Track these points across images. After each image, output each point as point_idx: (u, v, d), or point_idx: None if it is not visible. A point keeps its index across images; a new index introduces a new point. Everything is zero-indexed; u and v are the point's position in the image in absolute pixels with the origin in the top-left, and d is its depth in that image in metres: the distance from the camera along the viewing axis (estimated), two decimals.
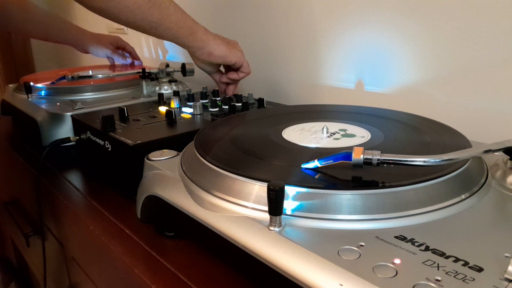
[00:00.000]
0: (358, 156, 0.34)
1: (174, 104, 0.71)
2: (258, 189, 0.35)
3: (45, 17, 1.03)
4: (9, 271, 1.12)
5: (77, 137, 0.65)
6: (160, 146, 0.50)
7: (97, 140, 0.58)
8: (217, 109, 0.69)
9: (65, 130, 0.68)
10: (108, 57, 1.10)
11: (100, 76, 0.87)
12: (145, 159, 0.47)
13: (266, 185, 0.30)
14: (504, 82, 0.55)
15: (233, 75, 0.75)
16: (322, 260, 0.27)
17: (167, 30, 0.65)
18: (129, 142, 0.52)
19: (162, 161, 0.46)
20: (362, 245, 0.28)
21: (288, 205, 0.33)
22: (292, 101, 0.85)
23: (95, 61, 1.60)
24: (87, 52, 1.09)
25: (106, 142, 0.56)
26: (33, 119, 0.71)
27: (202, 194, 0.38)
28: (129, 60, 1.10)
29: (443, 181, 0.34)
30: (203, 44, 0.68)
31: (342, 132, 0.48)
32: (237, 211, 0.34)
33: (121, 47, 1.11)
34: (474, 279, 0.25)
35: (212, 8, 0.99)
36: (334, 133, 0.48)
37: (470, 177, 0.37)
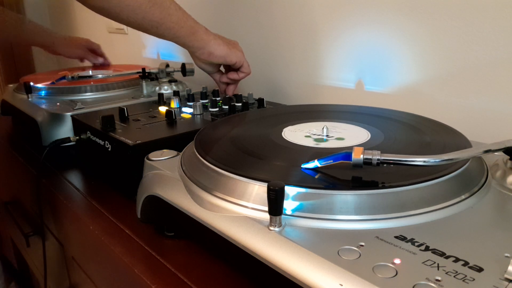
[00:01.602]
0: (358, 156, 0.34)
1: (174, 104, 0.71)
2: (258, 189, 0.35)
3: (12, 19, 1.02)
4: (10, 271, 1.12)
5: (77, 137, 0.64)
6: (160, 146, 0.50)
7: (97, 140, 0.58)
8: (217, 109, 0.69)
9: (65, 130, 0.68)
10: (81, 58, 1.10)
11: (100, 76, 0.87)
12: (145, 159, 0.47)
13: (266, 185, 0.30)
14: (504, 82, 0.55)
15: (233, 75, 0.75)
16: (322, 260, 0.27)
17: (168, 30, 0.65)
18: (129, 142, 0.52)
19: (162, 161, 0.46)
20: (362, 245, 0.28)
21: (288, 205, 0.33)
22: (292, 101, 0.85)
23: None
24: (57, 54, 1.09)
25: (106, 142, 0.56)
26: (33, 119, 0.71)
27: (202, 194, 0.38)
28: (100, 60, 1.11)
29: (443, 181, 0.34)
30: (203, 44, 0.68)
31: (342, 132, 0.48)
32: (237, 211, 0.34)
33: (93, 50, 1.11)
34: (474, 279, 0.24)
35: (212, 8, 0.99)
36: (334, 133, 0.48)
37: (470, 177, 0.37)
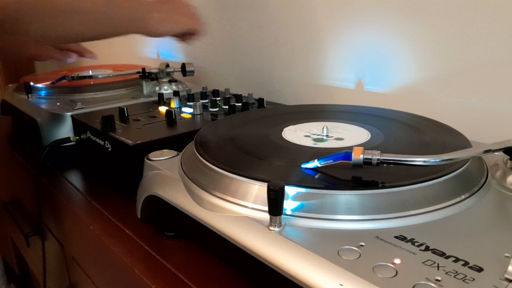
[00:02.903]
0: (358, 156, 0.34)
1: (174, 104, 0.71)
2: (258, 189, 0.35)
3: None
4: (10, 271, 1.12)
5: (77, 137, 0.64)
6: (160, 146, 0.50)
7: (97, 140, 0.58)
8: (217, 109, 0.69)
9: (65, 130, 0.68)
10: (51, 58, 1.06)
11: (100, 76, 0.87)
12: (145, 159, 0.47)
13: (266, 185, 0.30)
14: (504, 82, 0.55)
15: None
16: (322, 260, 0.27)
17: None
18: (129, 142, 0.52)
19: (162, 161, 0.46)
20: (362, 245, 0.28)
21: (288, 205, 0.33)
22: (292, 101, 0.85)
23: (95, 61, 1.60)
24: (30, 57, 1.06)
25: (106, 142, 0.56)
26: (33, 119, 0.71)
27: (202, 194, 0.38)
28: (73, 57, 1.06)
29: (443, 181, 0.34)
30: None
31: (342, 132, 0.48)
32: (237, 211, 0.34)
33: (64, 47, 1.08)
34: (474, 279, 0.25)
35: (212, 7, 0.99)
36: (334, 133, 0.48)
37: (470, 177, 0.37)
